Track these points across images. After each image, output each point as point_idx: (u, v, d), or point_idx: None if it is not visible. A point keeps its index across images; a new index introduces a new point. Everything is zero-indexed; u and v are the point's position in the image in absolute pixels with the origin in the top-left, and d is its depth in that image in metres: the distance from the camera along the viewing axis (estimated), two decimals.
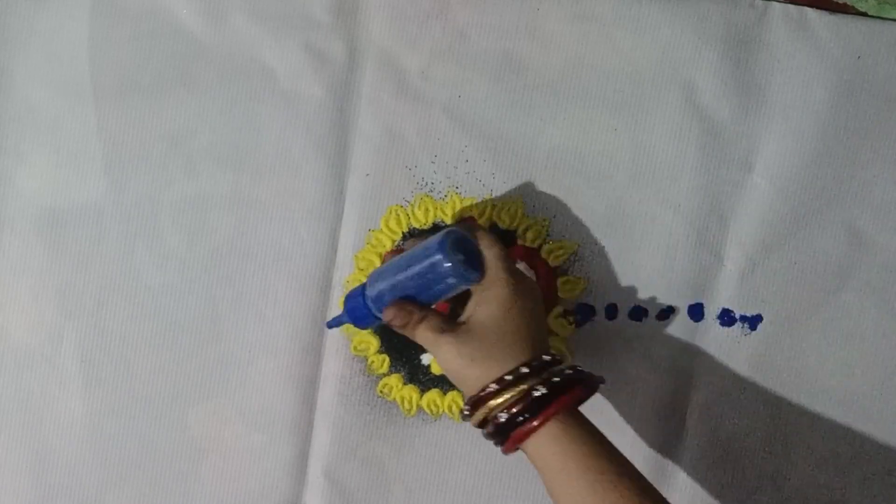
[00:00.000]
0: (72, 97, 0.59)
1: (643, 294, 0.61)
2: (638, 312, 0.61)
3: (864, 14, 0.60)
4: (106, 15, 0.59)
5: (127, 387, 0.61)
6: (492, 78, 0.60)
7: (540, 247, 0.61)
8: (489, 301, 0.50)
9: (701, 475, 0.62)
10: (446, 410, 0.62)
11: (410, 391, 0.62)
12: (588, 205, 0.61)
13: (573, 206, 0.61)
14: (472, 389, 0.50)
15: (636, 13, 0.60)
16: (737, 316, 0.61)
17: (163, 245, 0.60)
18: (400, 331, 0.52)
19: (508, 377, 0.49)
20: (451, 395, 0.62)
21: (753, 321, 0.61)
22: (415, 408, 0.62)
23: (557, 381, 0.49)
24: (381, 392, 0.62)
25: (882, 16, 0.60)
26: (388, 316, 0.51)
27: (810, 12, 0.60)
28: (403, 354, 0.62)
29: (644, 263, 0.61)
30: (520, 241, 0.61)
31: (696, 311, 0.61)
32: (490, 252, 0.51)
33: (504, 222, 0.61)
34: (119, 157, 0.60)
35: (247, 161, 0.60)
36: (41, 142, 0.60)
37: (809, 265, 0.61)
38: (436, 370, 0.62)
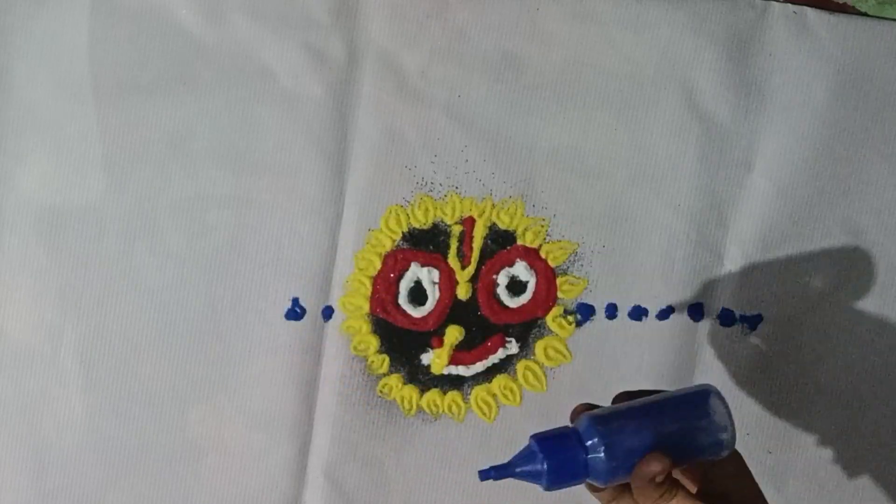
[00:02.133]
0: (72, 97, 0.59)
1: (643, 294, 0.61)
2: (638, 312, 0.61)
3: (864, 14, 0.60)
4: (105, 15, 0.59)
5: (127, 387, 0.61)
6: (492, 78, 0.60)
7: (540, 247, 0.61)
8: (743, 482, 0.44)
9: None
10: (446, 410, 0.62)
11: (410, 391, 0.62)
12: (588, 205, 0.61)
13: (573, 206, 0.61)
14: None
15: (636, 13, 0.59)
16: (737, 315, 0.61)
17: (163, 245, 0.60)
18: (640, 493, 0.42)
19: None
20: (451, 395, 0.62)
21: (753, 321, 0.61)
22: (415, 408, 0.62)
23: None
24: (381, 392, 0.62)
25: (882, 16, 0.60)
26: (654, 466, 0.41)
27: (810, 12, 0.60)
28: (403, 354, 0.62)
29: (644, 263, 0.61)
30: (520, 242, 0.61)
31: (696, 311, 0.61)
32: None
33: (504, 222, 0.61)
34: (119, 157, 0.60)
35: (247, 161, 0.60)
36: (41, 142, 0.60)
37: (809, 264, 0.61)
38: (436, 370, 0.62)
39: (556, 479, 0.42)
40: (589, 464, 0.42)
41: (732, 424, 0.43)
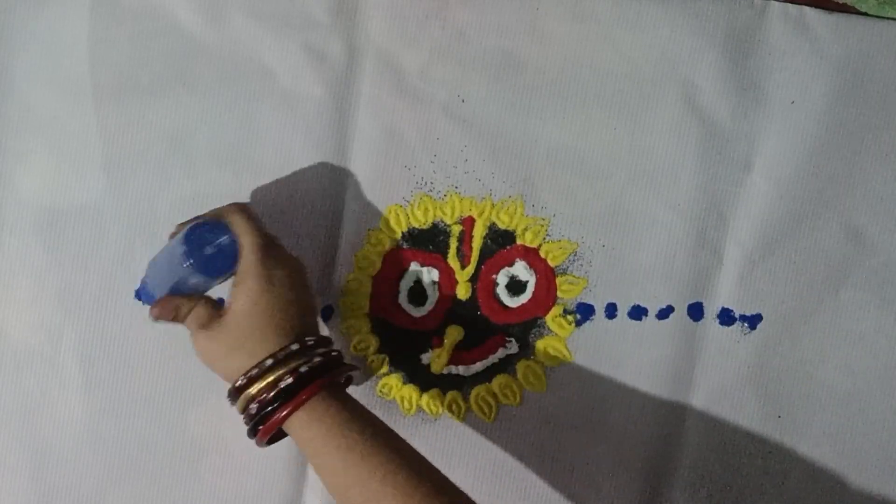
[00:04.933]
0: (72, 97, 0.59)
1: (643, 293, 0.61)
2: (638, 312, 0.61)
3: (865, 14, 0.60)
4: (105, 15, 0.59)
5: (127, 387, 0.61)
6: (491, 78, 0.60)
7: (539, 246, 0.61)
8: (242, 293, 0.52)
9: (701, 475, 0.62)
10: (446, 410, 0.62)
11: (410, 391, 0.62)
12: (588, 204, 0.61)
13: (573, 205, 0.61)
14: (228, 380, 0.52)
15: (636, 13, 0.60)
16: (736, 315, 0.61)
17: (162, 245, 0.60)
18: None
19: (255, 370, 0.50)
20: (451, 394, 0.62)
21: (753, 320, 0.61)
22: (414, 407, 0.62)
23: (305, 371, 0.50)
24: (380, 392, 0.62)
25: (882, 15, 0.60)
26: (153, 315, 0.53)
27: (810, 12, 0.60)
28: (403, 354, 0.62)
29: (644, 263, 0.61)
30: (519, 241, 0.61)
31: (696, 311, 0.61)
32: (245, 240, 0.53)
33: (504, 222, 0.61)
34: (119, 157, 0.60)
35: (246, 161, 0.60)
36: (41, 142, 0.60)
37: (809, 264, 0.61)
38: (436, 370, 0.62)
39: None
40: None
41: (208, 259, 0.53)
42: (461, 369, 0.62)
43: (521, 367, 0.62)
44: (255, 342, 0.51)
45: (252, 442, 0.61)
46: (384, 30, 0.60)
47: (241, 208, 0.54)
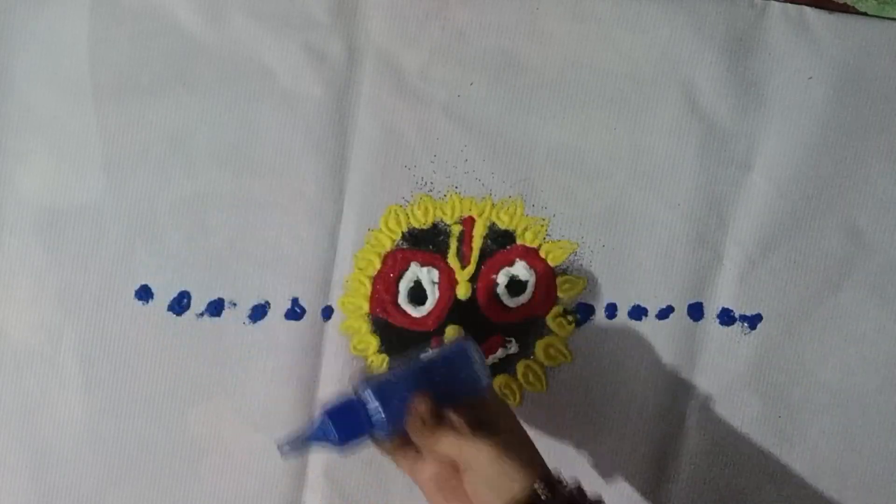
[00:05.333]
0: (71, 97, 0.59)
1: (643, 293, 0.61)
2: (638, 312, 0.61)
3: (864, 14, 0.60)
4: (105, 15, 0.59)
5: (127, 387, 0.61)
6: (491, 77, 0.60)
7: (539, 246, 0.61)
8: (504, 413, 0.51)
9: (701, 475, 0.62)
10: None
11: None
12: (588, 204, 0.61)
13: (573, 205, 0.61)
14: (510, 494, 0.46)
15: (636, 13, 0.60)
16: (736, 315, 0.61)
17: (162, 245, 0.60)
18: (414, 434, 0.49)
19: (546, 481, 0.46)
20: None
21: (753, 320, 0.61)
22: None
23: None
24: None
25: (882, 15, 0.60)
26: (421, 407, 0.48)
27: (809, 12, 0.60)
28: (403, 354, 0.62)
29: (644, 262, 0.61)
30: (520, 241, 0.61)
31: (696, 311, 0.61)
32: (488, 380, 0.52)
33: (503, 222, 0.61)
34: (119, 157, 0.60)
35: (246, 161, 0.60)
36: (41, 142, 0.60)
37: (809, 264, 0.61)
38: None
39: (347, 442, 0.50)
40: (374, 424, 0.49)
41: (486, 367, 0.52)
42: None
43: (521, 367, 0.62)
44: (532, 456, 0.48)
45: (252, 442, 0.61)
46: (384, 30, 0.60)
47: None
